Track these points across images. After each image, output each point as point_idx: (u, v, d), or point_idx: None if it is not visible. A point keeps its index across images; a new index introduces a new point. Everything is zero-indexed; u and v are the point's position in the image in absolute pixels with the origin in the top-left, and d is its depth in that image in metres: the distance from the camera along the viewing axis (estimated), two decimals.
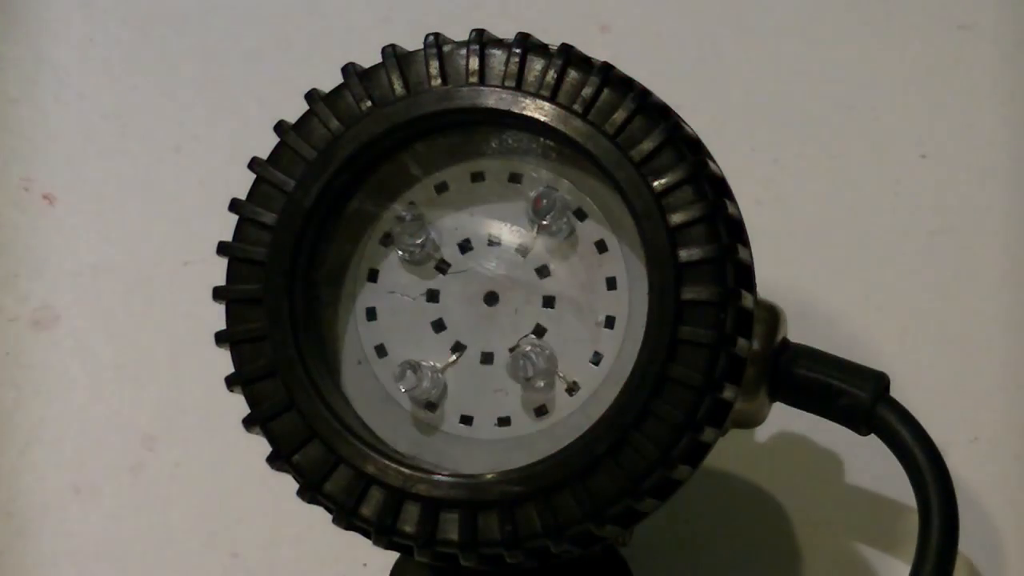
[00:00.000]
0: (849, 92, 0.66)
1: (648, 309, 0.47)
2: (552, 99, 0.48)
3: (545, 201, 0.49)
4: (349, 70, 0.50)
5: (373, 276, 0.51)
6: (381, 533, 0.48)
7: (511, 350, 0.49)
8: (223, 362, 0.49)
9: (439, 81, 0.49)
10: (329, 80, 0.50)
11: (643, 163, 0.47)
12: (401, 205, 0.50)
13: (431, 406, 0.50)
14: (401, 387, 0.49)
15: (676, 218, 0.47)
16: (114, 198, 0.68)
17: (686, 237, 0.47)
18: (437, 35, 0.49)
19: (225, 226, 0.50)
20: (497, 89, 0.49)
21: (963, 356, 0.61)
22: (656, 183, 0.47)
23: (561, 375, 0.49)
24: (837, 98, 0.66)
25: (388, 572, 0.56)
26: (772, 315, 0.52)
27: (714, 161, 0.49)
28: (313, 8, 0.71)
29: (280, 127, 0.50)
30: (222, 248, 0.50)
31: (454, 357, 0.50)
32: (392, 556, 0.54)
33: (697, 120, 0.50)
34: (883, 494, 0.59)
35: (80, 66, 0.71)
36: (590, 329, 0.49)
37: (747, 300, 0.48)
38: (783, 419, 0.56)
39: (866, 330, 0.61)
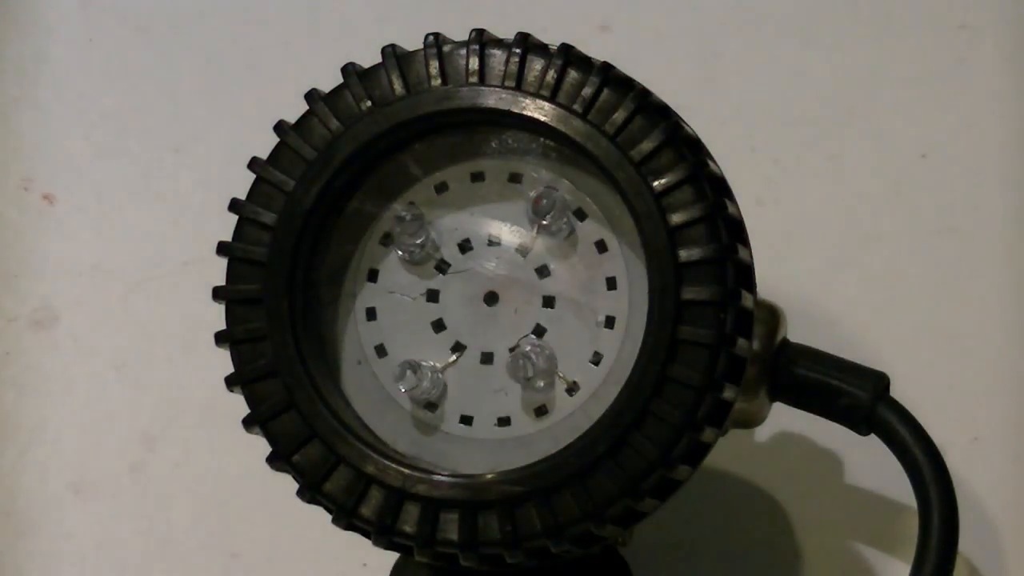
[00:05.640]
0: (849, 92, 0.66)
1: (648, 309, 0.47)
2: (552, 99, 0.48)
3: (545, 201, 0.49)
4: (349, 70, 0.50)
5: (373, 276, 0.51)
6: (381, 533, 0.48)
7: (511, 350, 0.49)
8: (223, 362, 0.49)
9: (439, 81, 0.49)
10: (329, 80, 0.50)
11: (643, 163, 0.47)
12: (401, 205, 0.50)
13: (431, 406, 0.50)
14: (401, 387, 0.49)
15: (676, 218, 0.47)
16: (114, 198, 0.68)
17: (686, 237, 0.47)
18: (437, 35, 0.49)
19: (225, 226, 0.50)
20: (497, 89, 0.49)
21: (963, 356, 0.61)
22: (656, 183, 0.47)
23: (561, 375, 0.49)
24: (837, 98, 0.66)
25: (388, 572, 0.56)
26: (772, 315, 0.52)
27: (714, 161, 0.49)
28: (313, 8, 0.71)
29: (280, 127, 0.50)
30: (222, 248, 0.50)
31: (454, 357, 0.50)
32: (392, 556, 0.54)
33: (697, 120, 0.50)
34: (883, 494, 0.59)
35: (80, 66, 0.71)
36: (590, 329, 0.49)
37: (747, 300, 0.48)
38: (783, 419, 0.56)
39: (866, 330, 0.61)
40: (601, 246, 0.49)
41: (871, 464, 0.58)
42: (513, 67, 0.48)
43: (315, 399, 0.48)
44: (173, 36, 0.71)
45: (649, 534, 0.53)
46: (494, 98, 0.49)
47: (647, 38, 0.68)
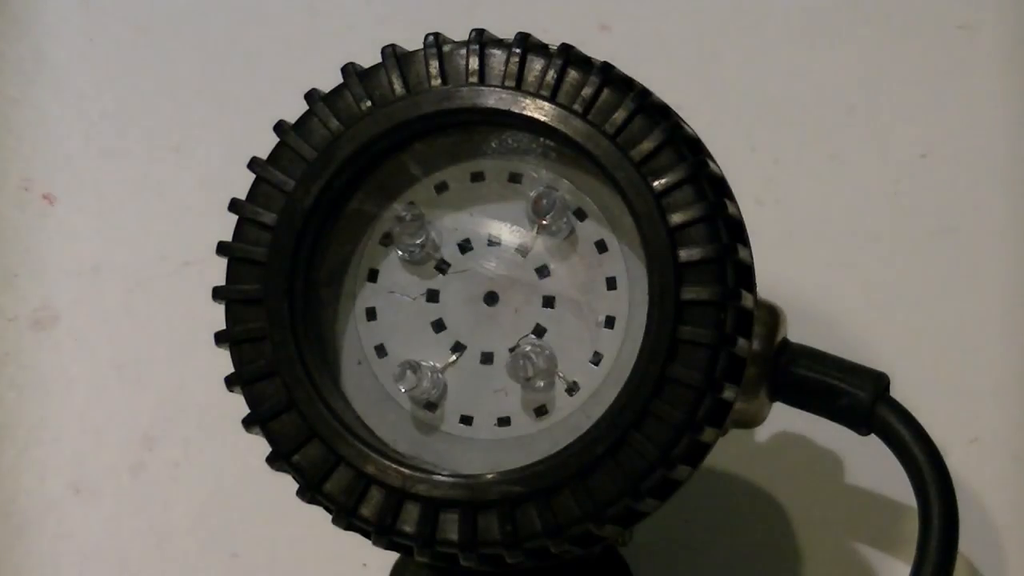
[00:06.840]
0: (849, 92, 0.66)
1: (648, 309, 0.47)
2: (552, 99, 0.48)
3: (545, 201, 0.49)
4: (349, 70, 0.50)
5: (373, 276, 0.51)
6: (381, 533, 0.48)
7: (511, 350, 0.49)
8: (223, 362, 0.50)
9: (439, 81, 0.49)
10: (329, 80, 0.50)
11: (643, 163, 0.47)
12: (401, 205, 0.50)
13: (431, 406, 0.50)
14: (401, 387, 0.49)
15: (676, 218, 0.47)
16: (114, 198, 0.68)
17: (686, 237, 0.47)
18: (437, 35, 0.49)
19: (225, 226, 0.50)
20: (497, 89, 0.49)
21: (963, 356, 0.61)
22: (656, 183, 0.47)
23: (561, 375, 0.49)
24: (837, 98, 0.66)
25: (388, 572, 0.56)
26: (772, 315, 0.52)
27: (714, 161, 0.49)
28: (313, 8, 0.71)
29: (280, 127, 0.50)
30: (222, 248, 0.50)
31: (454, 357, 0.50)
32: (392, 556, 0.54)
33: (697, 120, 0.50)
34: (883, 494, 0.59)
35: (80, 66, 0.71)
36: (590, 329, 0.49)
37: (747, 300, 0.48)
38: (783, 419, 0.56)
39: (866, 330, 0.61)
40: (601, 246, 0.49)
41: (871, 464, 0.58)
42: (513, 67, 0.48)
43: (315, 399, 0.48)
44: (173, 36, 0.71)
45: (649, 534, 0.53)
46: (494, 98, 0.49)
47: (647, 38, 0.68)
